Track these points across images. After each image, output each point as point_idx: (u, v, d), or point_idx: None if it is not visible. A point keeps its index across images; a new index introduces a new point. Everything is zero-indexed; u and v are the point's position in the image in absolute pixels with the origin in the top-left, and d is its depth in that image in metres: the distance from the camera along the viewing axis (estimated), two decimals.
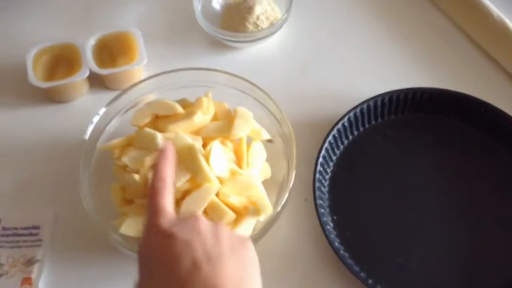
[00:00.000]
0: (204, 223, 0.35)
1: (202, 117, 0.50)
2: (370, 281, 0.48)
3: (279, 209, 0.46)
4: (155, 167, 0.39)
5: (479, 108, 0.56)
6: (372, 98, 0.57)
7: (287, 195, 0.47)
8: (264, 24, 0.63)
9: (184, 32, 0.65)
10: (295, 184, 0.51)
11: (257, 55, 0.64)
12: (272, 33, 0.62)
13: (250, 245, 0.36)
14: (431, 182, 0.54)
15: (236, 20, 0.63)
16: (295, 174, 0.51)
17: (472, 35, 0.63)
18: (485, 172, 0.55)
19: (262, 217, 0.49)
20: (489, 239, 0.51)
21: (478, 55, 0.63)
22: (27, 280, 0.48)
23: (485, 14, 0.61)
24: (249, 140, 0.52)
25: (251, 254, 0.36)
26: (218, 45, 0.64)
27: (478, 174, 0.54)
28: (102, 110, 0.50)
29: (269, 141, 0.54)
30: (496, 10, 0.61)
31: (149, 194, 0.37)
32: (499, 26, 0.60)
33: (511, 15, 0.62)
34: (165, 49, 0.63)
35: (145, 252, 0.35)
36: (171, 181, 0.38)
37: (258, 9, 0.63)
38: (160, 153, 0.40)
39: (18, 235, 0.51)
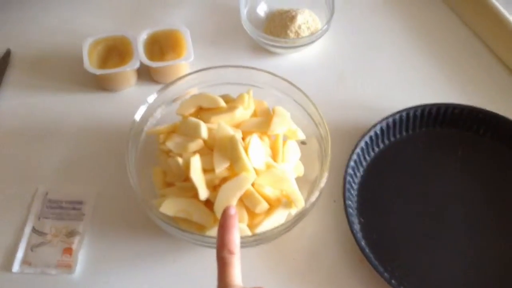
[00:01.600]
0: None
1: (243, 112, 0.53)
2: (393, 281, 0.49)
3: (309, 204, 0.49)
4: (221, 237, 0.40)
5: (509, 127, 0.58)
6: (404, 109, 0.59)
7: (318, 192, 0.49)
8: (305, 33, 0.66)
9: (229, 35, 0.68)
10: (325, 185, 0.54)
11: (296, 62, 0.67)
12: (312, 42, 0.65)
13: None
14: (459, 195, 0.56)
15: (278, 27, 0.66)
16: (326, 176, 0.54)
17: (503, 57, 0.66)
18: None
19: (294, 211, 0.51)
20: None
21: (510, 77, 0.65)
22: (68, 250, 0.51)
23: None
24: (285, 139, 0.55)
25: None
26: (260, 50, 0.67)
27: (506, 190, 0.56)
28: (153, 96, 0.54)
29: (303, 143, 0.57)
30: None
31: (219, 266, 0.39)
32: None
33: None
34: (210, 50, 0.67)
35: None
36: (239, 251, 0.40)
37: (300, 19, 0.66)
38: (224, 219, 0.40)
39: (62, 208, 0.54)
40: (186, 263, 0.52)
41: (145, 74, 0.63)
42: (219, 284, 0.39)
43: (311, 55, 0.68)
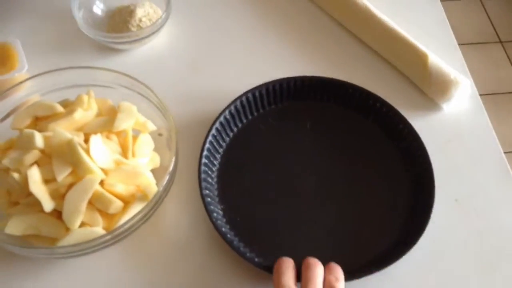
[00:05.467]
0: None
1: (83, 114, 0.52)
2: (256, 260, 0.49)
3: (161, 188, 0.48)
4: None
5: (347, 90, 0.60)
6: (249, 90, 0.59)
7: (168, 176, 0.49)
8: (147, 25, 0.65)
9: (70, 40, 0.66)
10: (188, 179, 0.54)
11: (144, 56, 0.66)
12: (154, 32, 0.64)
13: None
14: (313, 163, 0.57)
15: (119, 24, 0.65)
16: (187, 168, 0.55)
17: (344, 22, 0.69)
18: (360, 147, 0.58)
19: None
20: (368, 211, 0.54)
21: (348, 38, 0.68)
22: None
23: (352, 2, 0.67)
24: (138, 133, 0.54)
25: None
26: (106, 49, 0.65)
27: (354, 149, 0.58)
28: None
29: (160, 134, 0.56)
30: None
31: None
32: (363, 9, 0.66)
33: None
34: (52, 58, 0.63)
35: None
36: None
37: (139, 12, 0.65)
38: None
39: None
40: (49, 279, 0.49)
41: None
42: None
43: (159, 47, 0.67)
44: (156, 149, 0.55)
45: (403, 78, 0.65)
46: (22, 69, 0.57)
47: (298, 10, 0.71)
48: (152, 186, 0.50)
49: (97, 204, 0.47)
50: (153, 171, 0.53)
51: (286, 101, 0.61)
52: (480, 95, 0.64)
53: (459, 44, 0.69)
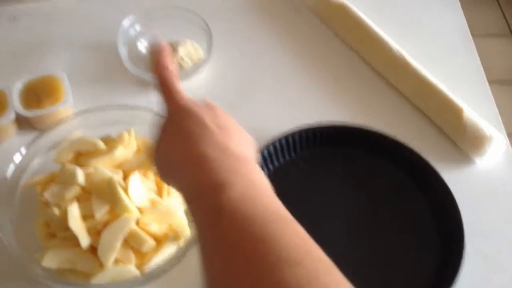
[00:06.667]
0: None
1: (123, 152, 0.53)
2: None
3: (194, 231, 0.49)
4: (156, 61, 0.42)
5: (378, 140, 0.61)
6: (283, 135, 0.60)
7: None
8: (188, 64, 0.67)
9: (113, 76, 0.68)
10: None
11: (185, 92, 0.68)
12: (195, 72, 0.66)
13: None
14: (342, 210, 0.57)
15: None
16: None
17: (380, 70, 0.69)
18: (390, 197, 0.58)
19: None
20: (396, 263, 0.54)
21: (383, 87, 0.69)
22: None
23: (387, 49, 0.68)
24: None
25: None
26: (148, 85, 0.68)
27: (384, 199, 0.58)
28: (23, 150, 0.53)
29: None
30: (395, 45, 0.68)
31: (160, 84, 0.42)
32: (399, 59, 0.67)
33: (408, 48, 0.69)
34: (94, 91, 0.66)
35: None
36: (174, 70, 0.43)
37: (181, 51, 0.67)
38: (156, 48, 0.44)
39: None
40: None
41: (26, 124, 0.62)
42: (165, 97, 0.41)
43: (198, 84, 0.69)
44: None
45: (436, 129, 0.65)
46: (67, 102, 0.60)
47: (336, 54, 0.72)
48: (184, 227, 0.51)
49: (131, 242, 0.49)
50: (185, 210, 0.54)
51: (318, 147, 0.62)
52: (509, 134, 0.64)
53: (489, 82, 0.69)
